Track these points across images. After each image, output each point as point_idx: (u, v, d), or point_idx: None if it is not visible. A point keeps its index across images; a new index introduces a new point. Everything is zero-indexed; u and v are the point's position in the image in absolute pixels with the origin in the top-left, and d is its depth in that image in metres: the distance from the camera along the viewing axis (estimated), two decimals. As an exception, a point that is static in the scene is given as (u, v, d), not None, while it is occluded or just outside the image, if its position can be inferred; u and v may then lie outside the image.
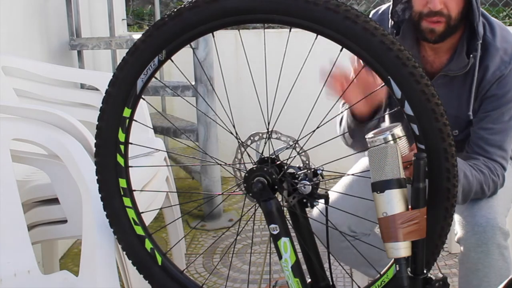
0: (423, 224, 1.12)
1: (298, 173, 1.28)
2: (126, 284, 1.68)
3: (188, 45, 1.28)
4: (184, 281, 1.45)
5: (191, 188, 3.58)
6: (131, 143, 1.37)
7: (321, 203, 1.29)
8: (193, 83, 2.89)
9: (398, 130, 1.25)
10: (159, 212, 2.24)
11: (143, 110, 2.18)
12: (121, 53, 3.17)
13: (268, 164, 1.27)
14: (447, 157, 1.17)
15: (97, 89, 2.36)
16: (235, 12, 1.18)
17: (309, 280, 1.37)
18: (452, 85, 1.64)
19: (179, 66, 1.42)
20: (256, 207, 1.35)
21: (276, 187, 1.26)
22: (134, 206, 1.42)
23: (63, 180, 1.68)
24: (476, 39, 1.56)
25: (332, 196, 1.71)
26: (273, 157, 1.29)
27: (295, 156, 1.28)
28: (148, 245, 1.43)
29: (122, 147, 1.35)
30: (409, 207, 1.12)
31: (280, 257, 1.28)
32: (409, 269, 1.13)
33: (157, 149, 2.02)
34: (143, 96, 1.33)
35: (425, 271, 1.14)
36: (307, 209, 1.33)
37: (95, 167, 1.40)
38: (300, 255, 1.32)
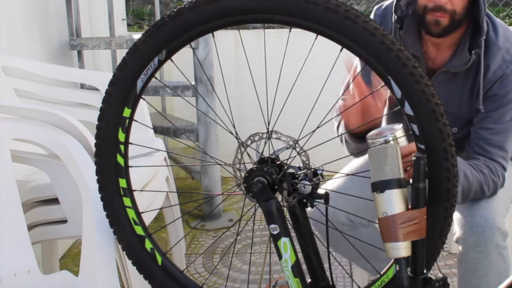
0: (423, 224, 1.12)
1: (298, 173, 1.28)
2: (126, 284, 1.68)
3: (188, 45, 1.28)
4: (184, 281, 1.45)
5: (191, 188, 3.58)
6: (131, 143, 1.37)
7: (321, 203, 1.29)
8: (193, 83, 2.89)
9: (399, 132, 1.25)
10: (159, 212, 2.23)
11: (143, 110, 2.18)
12: (121, 53, 3.17)
13: (268, 164, 1.27)
14: (447, 157, 1.17)
15: (97, 89, 2.36)
16: (235, 12, 1.18)
17: (309, 280, 1.37)
18: (454, 82, 1.64)
19: (179, 66, 1.42)
20: (256, 207, 1.35)
21: (276, 187, 1.26)
22: (134, 206, 1.42)
23: (63, 180, 1.68)
24: (479, 35, 1.56)
25: (331, 187, 1.72)
26: (273, 157, 1.29)
27: (295, 156, 1.28)
28: (148, 245, 1.43)
29: (122, 147, 1.35)
30: (409, 207, 1.13)
31: (280, 257, 1.28)
32: (409, 269, 1.14)
33: (157, 149, 2.02)
34: (143, 96, 1.33)
35: (425, 271, 1.14)
36: (308, 208, 1.33)
37: (95, 167, 1.40)
38: (300, 255, 1.32)
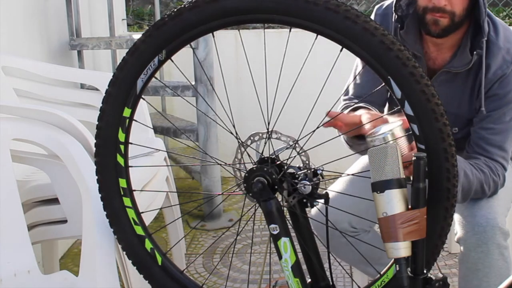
0: (423, 224, 1.12)
1: (298, 173, 1.28)
2: (126, 284, 1.68)
3: (188, 45, 1.28)
4: (184, 281, 1.45)
5: (191, 188, 3.58)
6: (131, 143, 1.37)
7: (321, 203, 1.29)
8: (193, 83, 2.89)
9: (398, 130, 1.25)
10: (159, 212, 2.23)
11: (143, 110, 2.18)
12: (121, 53, 3.17)
13: (268, 164, 1.27)
14: (447, 157, 1.17)
15: (97, 89, 2.36)
16: (235, 12, 1.18)
17: (309, 280, 1.37)
18: (454, 82, 1.64)
19: (179, 66, 1.42)
20: (256, 207, 1.35)
21: (276, 187, 1.26)
22: (134, 206, 1.42)
23: (63, 180, 1.68)
24: (481, 36, 1.56)
25: (333, 192, 1.72)
26: (273, 157, 1.29)
27: (295, 156, 1.28)
28: (148, 245, 1.43)
29: (122, 147, 1.35)
30: (409, 207, 1.12)
31: (280, 257, 1.28)
32: (409, 269, 1.13)
33: (157, 149, 2.02)
34: (143, 96, 1.33)
35: (425, 271, 1.14)
36: (308, 208, 1.33)
37: (95, 167, 1.40)
38: (300, 255, 1.32)
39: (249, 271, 2.54)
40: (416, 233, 1.11)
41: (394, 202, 1.11)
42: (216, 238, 2.87)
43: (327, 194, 1.28)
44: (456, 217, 1.62)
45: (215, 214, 3.06)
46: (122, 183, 1.39)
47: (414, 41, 1.63)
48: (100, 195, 1.41)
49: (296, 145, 1.28)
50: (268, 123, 1.29)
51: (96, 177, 1.40)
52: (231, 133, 1.34)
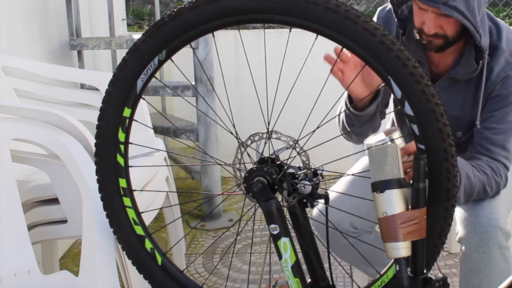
0: (423, 224, 1.12)
1: (298, 173, 1.28)
2: (126, 284, 1.68)
3: (188, 45, 1.28)
4: (184, 281, 1.45)
5: (191, 188, 3.58)
6: (131, 143, 1.37)
7: (321, 203, 1.29)
8: (193, 83, 2.89)
9: (396, 134, 1.25)
10: (159, 212, 2.23)
11: (143, 110, 2.18)
12: (121, 53, 3.17)
13: (268, 164, 1.27)
14: (447, 157, 1.17)
15: (97, 89, 2.36)
16: (235, 12, 1.18)
17: (309, 280, 1.37)
18: (457, 87, 1.64)
19: (179, 66, 1.42)
20: (256, 207, 1.35)
21: (276, 187, 1.26)
22: (134, 206, 1.42)
23: (63, 180, 1.68)
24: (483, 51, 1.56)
25: (335, 192, 1.72)
26: (273, 157, 1.29)
27: (295, 156, 1.28)
28: (148, 245, 1.43)
29: (122, 147, 1.35)
30: (409, 207, 1.12)
31: (280, 257, 1.28)
32: (409, 269, 1.14)
33: (157, 149, 2.02)
34: (143, 96, 1.33)
35: (425, 271, 1.14)
36: (308, 208, 1.33)
37: (95, 167, 1.40)
38: (300, 255, 1.32)
39: (249, 271, 2.54)
40: (416, 233, 1.11)
41: (394, 202, 1.11)
42: (216, 238, 2.87)
43: (327, 194, 1.28)
44: (458, 217, 1.62)
45: (215, 214, 3.06)
46: (122, 183, 1.39)
47: (416, 46, 1.62)
48: (100, 195, 1.41)
49: (296, 145, 1.28)
50: (268, 123, 1.29)
51: (96, 177, 1.40)
52: (231, 133, 1.34)
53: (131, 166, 1.40)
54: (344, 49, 1.18)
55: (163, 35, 1.24)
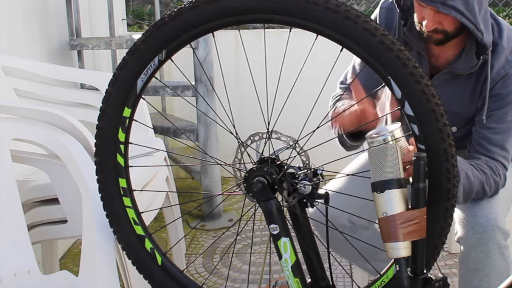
0: (423, 224, 1.12)
1: (298, 173, 1.28)
2: (126, 284, 1.68)
3: (188, 45, 1.28)
4: (184, 281, 1.45)
5: (191, 188, 3.58)
6: (131, 143, 1.37)
7: (321, 203, 1.29)
8: (193, 83, 2.89)
9: (398, 131, 1.25)
10: (159, 212, 2.23)
11: (143, 110, 2.18)
12: (121, 53, 3.17)
13: (268, 164, 1.27)
14: (447, 157, 1.17)
15: (97, 89, 2.36)
16: (235, 12, 1.18)
17: (309, 280, 1.37)
18: (456, 81, 1.64)
19: (179, 66, 1.42)
20: (256, 207, 1.35)
21: (276, 187, 1.26)
22: (134, 206, 1.42)
23: (63, 180, 1.68)
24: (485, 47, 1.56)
25: (332, 187, 1.72)
26: (273, 157, 1.29)
27: (295, 156, 1.28)
28: (148, 245, 1.43)
29: (122, 147, 1.36)
30: (409, 207, 1.12)
31: (280, 257, 1.28)
32: (409, 269, 1.14)
33: (157, 149, 2.02)
34: (143, 96, 1.33)
35: (425, 271, 1.14)
36: (307, 208, 1.33)
37: (95, 167, 1.40)
38: (300, 255, 1.32)
39: (249, 271, 2.54)
40: (416, 233, 1.11)
41: (394, 202, 1.11)
42: (216, 238, 2.87)
43: (327, 194, 1.28)
44: (457, 216, 1.62)
45: (215, 214, 3.06)
46: (122, 183, 1.39)
47: (417, 38, 1.62)
48: (100, 195, 1.41)
49: (296, 145, 1.28)
50: (268, 123, 1.29)
51: (96, 177, 1.40)
52: (231, 133, 1.34)
53: (131, 166, 1.40)
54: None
55: (163, 35, 1.24)
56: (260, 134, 1.31)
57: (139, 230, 1.43)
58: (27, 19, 2.55)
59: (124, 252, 1.47)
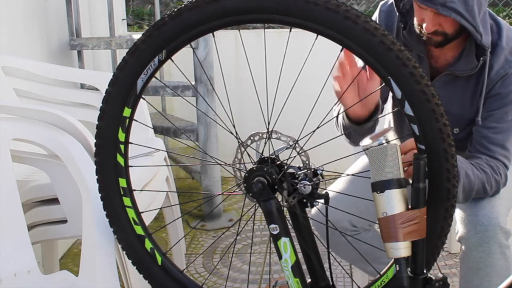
0: (423, 224, 1.12)
1: (298, 173, 1.28)
2: (126, 284, 1.68)
3: (188, 45, 1.28)
4: (184, 281, 1.45)
5: (191, 188, 3.58)
6: (131, 143, 1.37)
7: (321, 203, 1.29)
8: (193, 83, 2.89)
9: (391, 135, 1.24)
10: (159, 212, 2.23)
11: (143, 110, 2.18)
12: (121, 53, 3.17)
13: (268, 164, 1.27)
14: (447, 158, 1.17)
15: (97, 89, 2.36)
16: (235, 12, 1.18)
17: (309, 280, 1.37)
18: (456, 83, 1.64)
19: (179, 66, 1.42)
20: (256, 207, 1.35)
21: (276, 187, 1.26)
22: (134, 205, 1.42)
23: (63, 180, 1.68)
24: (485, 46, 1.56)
25: (334, 190, 1.72)
26: (273, 157, 1.29)
27: (295, 156, 1.28)
28: (148, 245, 1.43)
29: (122, 146, 1.35)
30: (409, 207, 1.12)
31: (280, 257, 1.28)
32: (409, 269, 1.14)
33: (157, 149, 2.02)
34: (143, 96, 1.33)
35: (425, 271, 1.14)
36: (308, 208, 1.33)
37: (95, 167, 1.40)
38: (300, 255, 1.32)
39: (249, 271, 2.54)
40: (416, 233, 1.11)
41: (394, 202, 1.11)
42: (216, 238, 2.87)
43: (327, 194, 1.28)
44: (458, 216, 1.62)
45: (215, 214, 3.06)
46: (122, 183, 1.39)
47: (417, 41, 1.63)
48: (100, 195, 1.41)
49: (296, 145, 1.28)
50: (268, 123, 1.29)
51: (96, 177, 1.40)
52: (231, 133, 1.34)
53: (131, 166, 1.40)
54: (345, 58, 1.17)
55: (163, 35, 1.24)
56: (260, 134, 1.31)
57: (139, 230, 1.43)
58: (27, 19, 2.55)
59: (124, 252, 1.47)
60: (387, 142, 1.20)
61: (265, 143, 1.30)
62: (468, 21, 1.46)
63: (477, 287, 1.59)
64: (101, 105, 1.34)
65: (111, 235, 1.47)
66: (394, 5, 1.65)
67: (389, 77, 1.14)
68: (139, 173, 1.74)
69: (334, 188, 1.78)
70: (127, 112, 1.32)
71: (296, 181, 1.28)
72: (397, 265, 1.12)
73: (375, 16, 1.73)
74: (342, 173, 1.70)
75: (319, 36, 1.17)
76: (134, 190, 1.42)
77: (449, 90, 1.63)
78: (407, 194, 1.13)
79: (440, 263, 2.53)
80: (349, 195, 1.60)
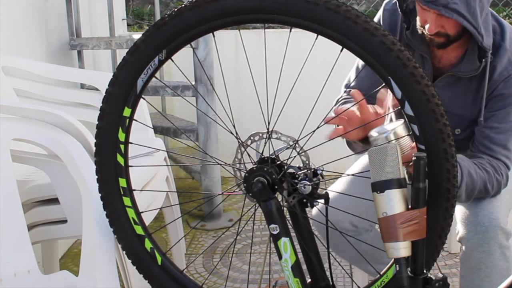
0: (423, 224, 1.12)
1: (298, 173, 1.28)
2: (126, 284, 1.68)
3: (188, 45, 1.28)
4: (184, 281, 1.45)
5: (191, 188, 3.58)
6: (131, 143, 1.37)
7: (321, 203, 1.29)
8: (193, 83, 2.89)
9: (401, 129, 1.25)
10: (159, 212, 2.23)
11: (143, 110, 2.18)
12: (121, 53, 3.17)
13: (268, 164, 1.27)
14: (447, 158, 1.17)
15: (97, 89, 2.36)
16: (235, 12, 1.18)
17: (309, 280, 1.37)
18: (459, 84, 1.64)
19: (179, 66, 1.42)
20: (256, 207, 1.35)
21: (276, 187, 1.26)
22: (134, 205, 1.42)
23: (63, 180, 1.68)
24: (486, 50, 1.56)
25: (335, 191, 1.72)
26: (273, 157, 1.29)
27: (295, 156, 1.28)
28: (148, 244, 1.43)
29: (122, 146, 1.35)
30: (409, 207, 1.12)
31: (280, 257, 1.28)
32: (409, 269, 1.13)
33: (157, 149, 2.02)
34: (143, 96, 1.33)
35: (425, 271, 1.14)
36: (308, 208, 1.33)
37: (95, 167, 1.40)
38: (300, 255, 1.32)
39: (249, 271, 2.54)
40: (416, 233, 1.11)
41: (394, 202, 1.11)
42: (216, 238, 2.87)
43: (327, 194, 1.28)
44: (458, 216, 1.62)
45: (215, 214, 3.06)
46: (122, 182, 1.39)
47: (420, 41, 1.63)
48: (100, 194, 1.41)
49: (296, 145, 1.28)
50: (268, 123, 1.29)
51: (96, 177, 1.40)
52: (231, 133, 1.34)
53: (131, 166, 1.40)
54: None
55: (163, 35, 1.24)
56: (260, 134, 1.31)
57: (139, 230, 1.43)
58: (27, 19, 2.55)
59: (124, 252, 1.47)
60: (396, 136, 1.19)
61: (265, 143, 1.30)
62: (470, 23, 1.47)
63: (477, 287, 1.59)
64: (101, 105, 1.34)
65: (111, 235, 1.47)
66: (397, 6, 1.65)
67: (389, 77, 1.14)
68: (139, 173, 1.74)
69: (334, 188, 1.78)
70: (127, 112, 1.32)
71: (296, 181, 1.28)
72: (397, 265, 1.12)
73: (379, 15, 1.73)
74: (342, 173, 1.70)
75: (319, 36, 1.17)
76: (134, 190, 1.42)
77: (452, 91, 1.63)
78: (407, 194, 1.13)
79: (440, 263, 2.53)
80: (350, 196, 1.60)
